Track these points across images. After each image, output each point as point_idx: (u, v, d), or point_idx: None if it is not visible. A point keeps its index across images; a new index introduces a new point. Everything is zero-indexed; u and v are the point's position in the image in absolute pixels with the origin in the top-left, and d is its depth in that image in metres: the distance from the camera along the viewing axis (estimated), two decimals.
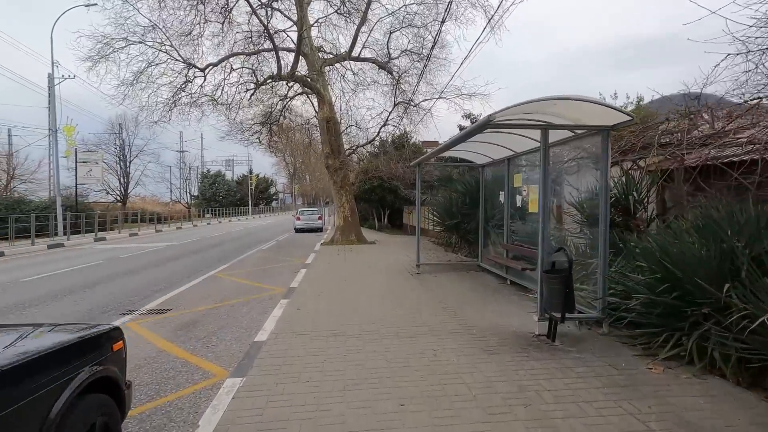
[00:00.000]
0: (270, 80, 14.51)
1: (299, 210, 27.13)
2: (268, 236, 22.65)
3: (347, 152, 16.34)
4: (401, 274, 9.29)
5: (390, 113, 14.50)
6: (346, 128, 17.29)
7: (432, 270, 9.74)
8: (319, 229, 26.02)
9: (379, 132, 15.03)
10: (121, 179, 32.61)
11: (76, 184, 22.52)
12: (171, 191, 51.76)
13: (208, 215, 53.97)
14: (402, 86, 15.58)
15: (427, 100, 14.01)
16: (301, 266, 11.00)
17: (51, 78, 22.33)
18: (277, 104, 19.81)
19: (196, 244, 18.43)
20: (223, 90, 15.06)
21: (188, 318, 6.31)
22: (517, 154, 7.53)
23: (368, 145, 16.90)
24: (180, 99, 16.13)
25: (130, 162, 33.52)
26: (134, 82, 14.12)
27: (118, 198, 32.65)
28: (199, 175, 65.89)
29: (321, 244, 16.56)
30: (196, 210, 51.09)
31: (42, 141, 33.57)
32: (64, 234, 21.81)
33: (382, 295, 7.21)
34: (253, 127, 20.54)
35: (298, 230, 25.65)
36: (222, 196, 63.84)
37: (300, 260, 12.46)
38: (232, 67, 14.19)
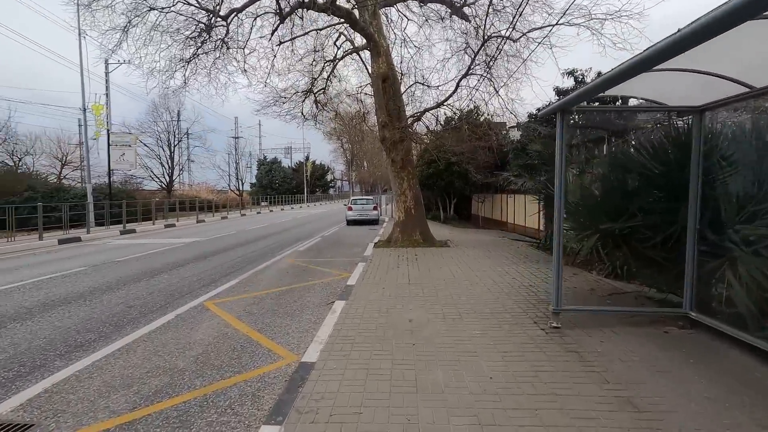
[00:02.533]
0: (300, 8, 10.40)
1: (351, 199, 23.25)
2: (313, 230, 18.99)
3: (409, 120, 11.92)
4: (525, 329, 4.77)
5: (475, 55, 9.79)
6: (409, 88, 12.83)
7: (585, 322, 5.09)
8: (374, 221, 22.00)
9: (458, 85, 10.39)
10: (165, 165, 30.92)
11: (109, 170, 20.45)
12: (229, 178, 50.36)
13: (264, 203, 52.51)
14: (489, 24, 10.72)
15: (541, 28, 9.05)
16: (340, 291, 6.88)
17: (80, 48, 20.00)
18: (323, 69, 15.92)
19: (224, 240, 15.11)
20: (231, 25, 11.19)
21: None
22: None
23: (438, 112, 12.24)
24: (197, 57, 12.69)
25: (174, 146, 31.81)
26: (128, 26, 10.68)
27: (163, 185, 31.04)
28: (256, 162, 65.00)
29: (374, 244, 12.40)
30: (251, 198, 49.61)
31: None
32: (98, 226, 19.71)
33: None
34: (293, 97, 16.79)
35: (351, 222, 21.82)
36: (278, 184, 62.45)
37: (341, 275, 8.38)
38: None
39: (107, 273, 8.95)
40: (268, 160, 65.53)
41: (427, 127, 11.84)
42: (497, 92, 10.17)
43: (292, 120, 17.94)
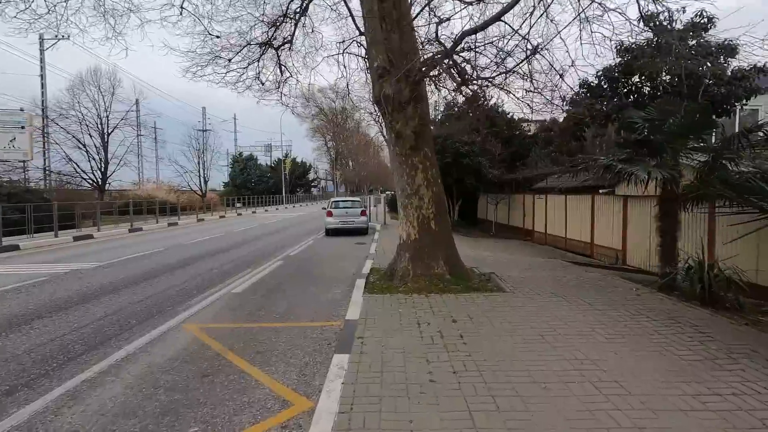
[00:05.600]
0: None
1: (331, 201, 17.78)
2: (278, 244, 13.55)
3: (424, 64, 6.52)
4: None
5: None
6: (425, 7, 7.39)
7: None
8: (362, 231, 16.69)
9: None
10: (96, 157, 24.50)
11: None
12: (201, 177, 43.33)
13: (238, 204, 46.58)
14: None
15: None
16: None
17: None
18: (286, 11, 10.71)
19: (127, 268, 9.59)
20: None
21: None
22: None
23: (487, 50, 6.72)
24: None
25: (108, 135, 25.41)
26: None
27: (94, 183, 24.75)
28: (229, 159, 58.83)
29: (366, 282, 7.12)
30: (220, 198, 43.65)
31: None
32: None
33: None
34: (244, 53, 11.39)
35: (331, 232, 16.45)
36: (254, 183, 56.52)
37: (285, 409, 3.02)
38: None
39: None
40: (243, 156, 59.51)
41: (464, 66, 6.38)
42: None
43: (245, 90, 12.39)
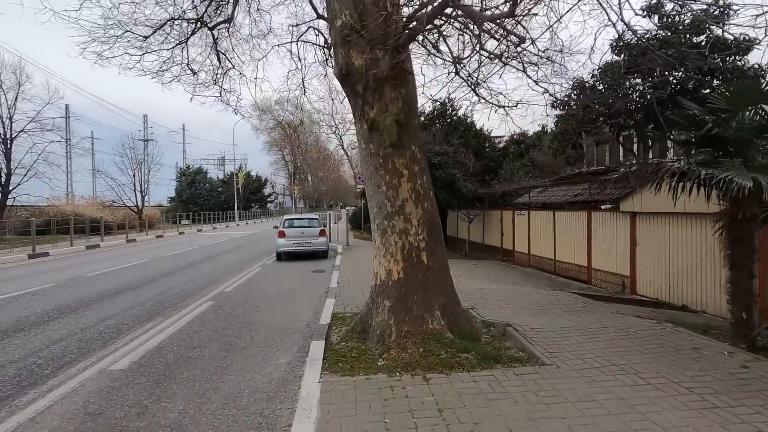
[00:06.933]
0: None
1: (284, 219, 15.03)
2: (213, 274, 10.70)
3: (408, 23, 4.37)
4: None
5: None
6: None
7: None
8: (321, 254, 14.17)
9: None
10: None
11: None
12: (137, 191, 38.31)
13: (186, 221, 42.34)
14: None
15: None
16: None
17: None
18: None
19: None
20: None
21: None
22: None
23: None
24: None
25: (11, 140, 20.97)
26: None
27: None
28: (177, 172, 54.19)
29: (325, 350, 4.69)
30: (162, 215, 39.34)
31: None
32: None
33: None
34: (168, 30, 8.80)
35: (283, 256, 13.80)
36: (203, 198, 52.18)
37: None
38: None
39: None
40: (191, 169, 55.09)
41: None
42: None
43: (172, 82, 9.67)
